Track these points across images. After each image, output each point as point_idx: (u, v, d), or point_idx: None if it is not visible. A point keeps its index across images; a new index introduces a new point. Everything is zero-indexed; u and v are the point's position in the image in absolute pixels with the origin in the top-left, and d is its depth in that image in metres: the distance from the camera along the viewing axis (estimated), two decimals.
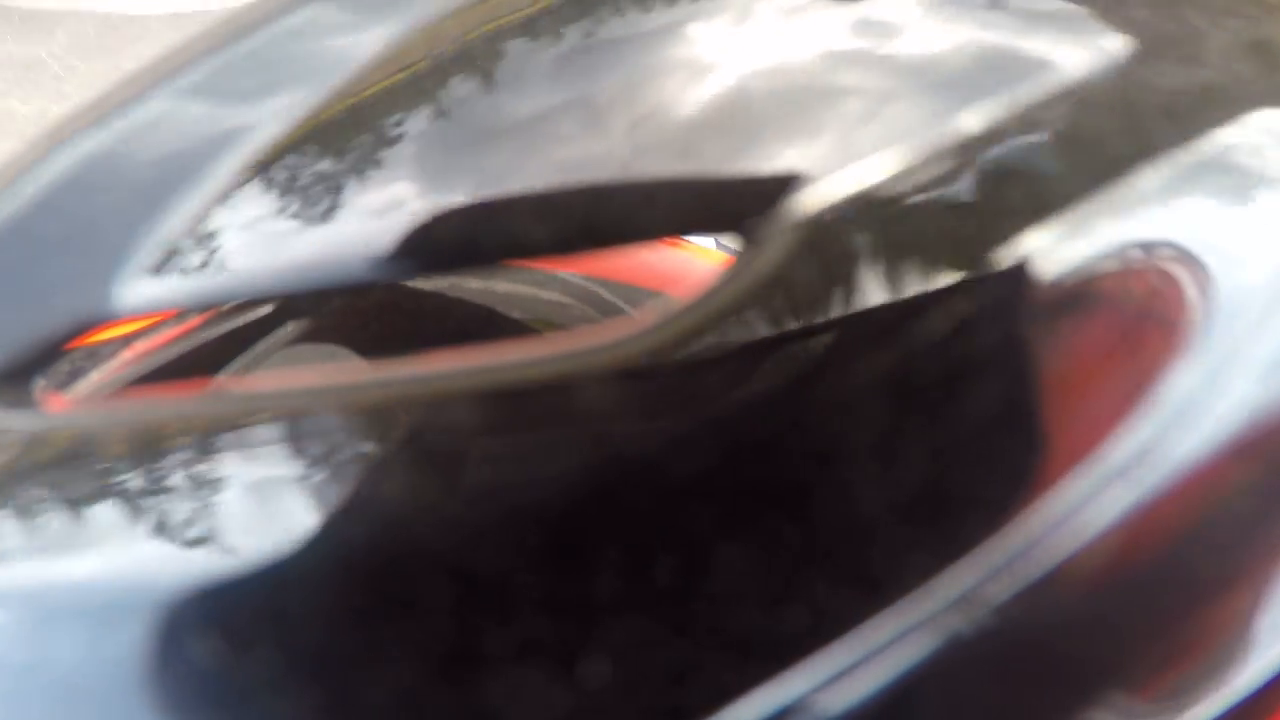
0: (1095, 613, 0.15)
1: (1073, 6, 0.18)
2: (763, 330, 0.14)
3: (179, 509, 0.14)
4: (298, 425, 0.15)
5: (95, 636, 0.14)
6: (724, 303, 0.14)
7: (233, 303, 0.23)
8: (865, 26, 0.17)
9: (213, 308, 0.23)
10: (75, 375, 0.20)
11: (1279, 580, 0.16)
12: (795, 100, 0.16)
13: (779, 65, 0.17)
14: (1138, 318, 0.16)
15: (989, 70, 0.17)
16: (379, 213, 0.16)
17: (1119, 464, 0.14)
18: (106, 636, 0.14)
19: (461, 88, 0.17)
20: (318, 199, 0.16)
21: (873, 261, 0.15)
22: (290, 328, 0.23)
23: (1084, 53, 0.17)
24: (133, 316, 0.19)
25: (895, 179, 0.15)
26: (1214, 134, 0.16)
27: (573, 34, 0.17)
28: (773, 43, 0.17)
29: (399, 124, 0.17)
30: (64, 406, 0.16)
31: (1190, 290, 0.15)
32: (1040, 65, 0.16)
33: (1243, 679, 0.15)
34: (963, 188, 0.15)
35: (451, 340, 0.15)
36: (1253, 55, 0.18)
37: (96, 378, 0.21)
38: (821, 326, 0.14)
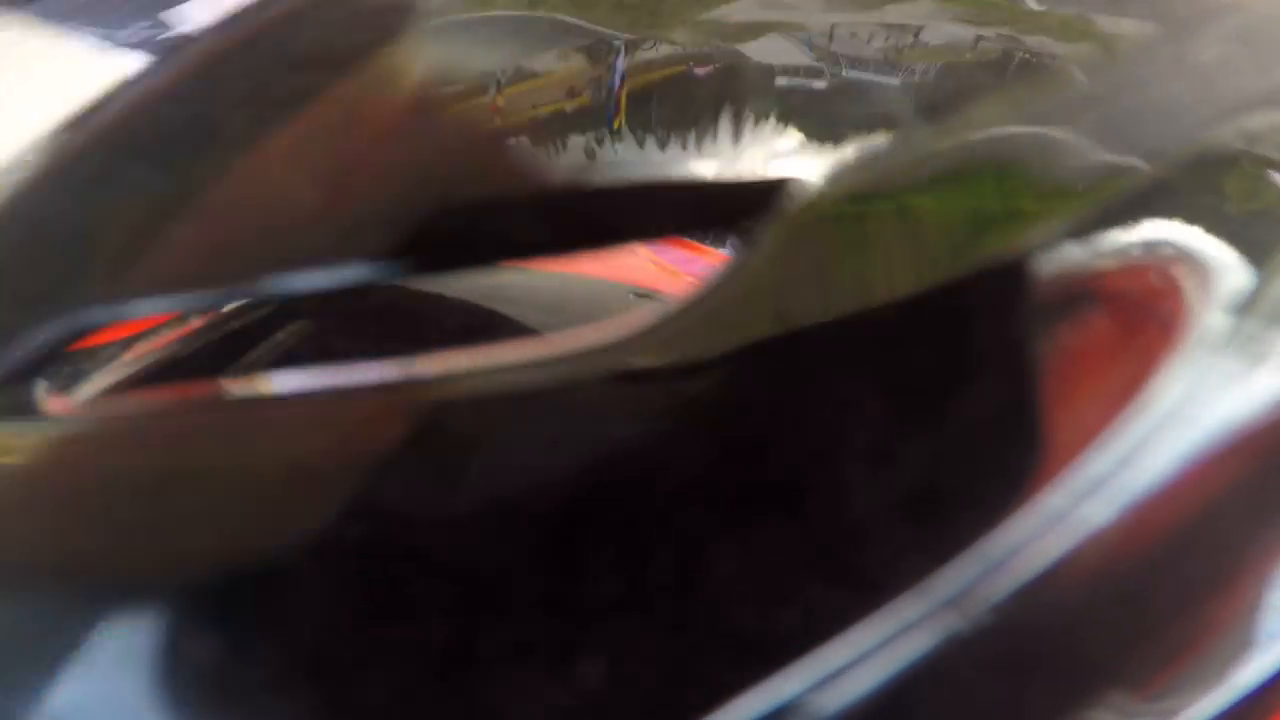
0: (1094, 611, 0.15)
1: (1068, 8, 0.18)
2: (758, 330, 0.14)
3: (177, 509, 0.14)
4: (297, 425, 0.15)
5: (95, 634, 0.14)
6: (719, 303, 0.14)
7: (233, 304, 0.23)
8: (867, 29, 0.17)
9: (213, 309, 0.23)
10: (77, 378, 0.20)
11: (1279, 578, 0.16)
12: (795, 99, 0.16)
13: (778, 65, 0.17)
14: (1135, 315, 0.16)
15: (989, 68, 0.17)
16: (379, 213, 0.16)
17: (1116, 461, 0.14)
18: (106, 635, 0.14)
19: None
20: (317, 199, 0.16)
21: (869, 260, 0.15)
22: (291, 329, 0.23)
23: (1079, 51, 0.17)
24: (133, 319, 0.19)
25: (893, 178, 0.15)
26: (1215, 129, 0.16)
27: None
28: (771, 43, 0.17)
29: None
30: (66, 409, 0.16)
31: (1188, 288, 0.15)
32: (1040, 65, 0.16)
33: (1243, 677, 0.15)
34: (962, 185, 0.15)
35: (452, 341, 0.15)
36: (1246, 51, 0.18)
37: (99, 380, 0.21)
38: (817, 325, 0.14)
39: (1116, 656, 0.15)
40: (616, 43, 0.17)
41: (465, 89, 0.17)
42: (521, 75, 0.17)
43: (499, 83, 0.17)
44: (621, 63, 0.17)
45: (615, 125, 0.16)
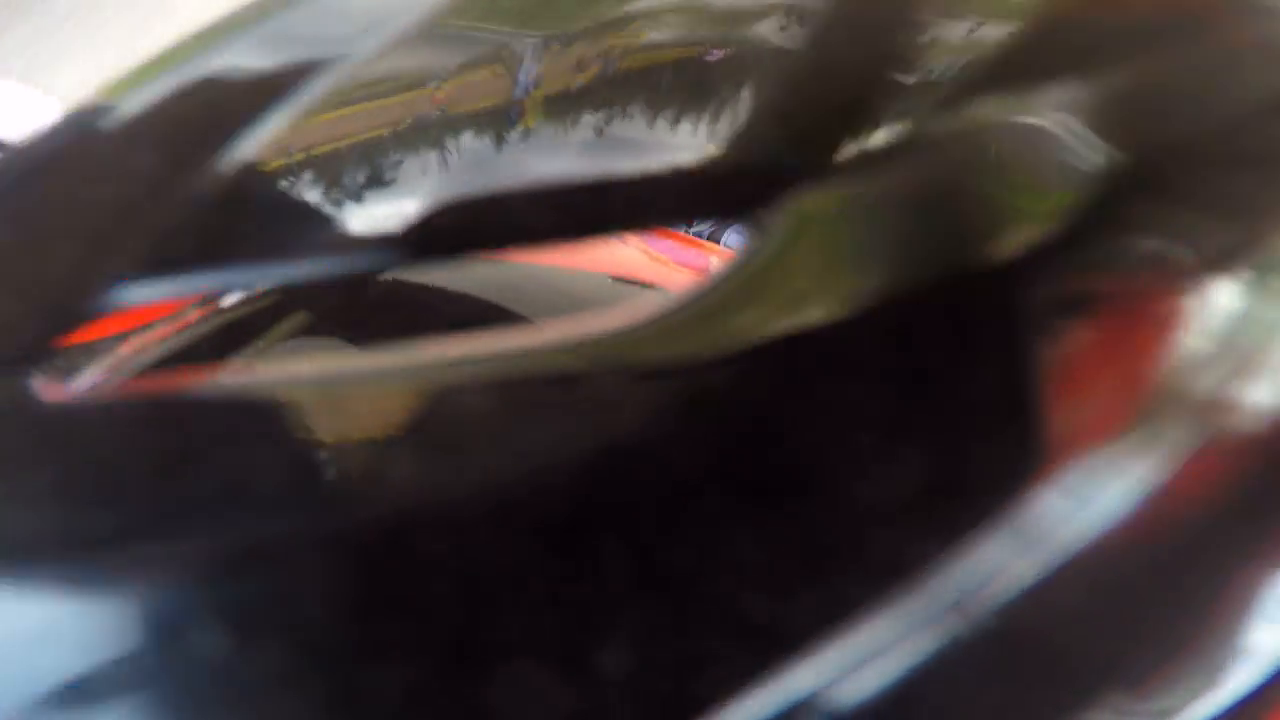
0: (1095, 612, 0.15)
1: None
2: (765, 321, 0.14)
3: (175, 505, 0.14)
4: (299, 416, 0.15)
5: (96, 631, 0.14)
6: (727, 293, 0.14)
7: (233, 294, 0.23)
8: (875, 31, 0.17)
9: (213, 299, 0.23)
10: (74, 369, 0.20)
11: (1278, 578, 0.16)
12: (803, 92, 0.16)
13: (788, 59, 0.17)
14: (1139, 313, 0.16)
15: (993, 64, 0.17)
16: (381, 202, 0.16)
17: (1118, 463, 0.14)
18: (108, 631, 0.14)
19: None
20: (320, 189, 0.16)
21: (877, 254, 0.15)
22: (291, 320, 0.23)
23: (1082, 51, 0.17)
24: (131, 308, 0.19)
25: (901, 172, 0.15)
26: (1217, 132, 0.16)
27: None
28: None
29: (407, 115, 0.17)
30: (62, 398, 0.16)
31: (1192, 288, 0.15)
32: (1043, 66, 0.16)
33: (1242, 677, 0.15)
34: (967, 182, 0.15)
35: (450, 331, 0.15)
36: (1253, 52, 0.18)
37: (96, 372, 0.21)
38: (825, 318, 0.14)
39: (1115, 657, 0.15)
40: (528, 42, 0.17)
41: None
42: (450, 74, 0.17)
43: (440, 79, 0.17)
44: (533, 66, 0.17)
45: (522, 125, 0.16)
